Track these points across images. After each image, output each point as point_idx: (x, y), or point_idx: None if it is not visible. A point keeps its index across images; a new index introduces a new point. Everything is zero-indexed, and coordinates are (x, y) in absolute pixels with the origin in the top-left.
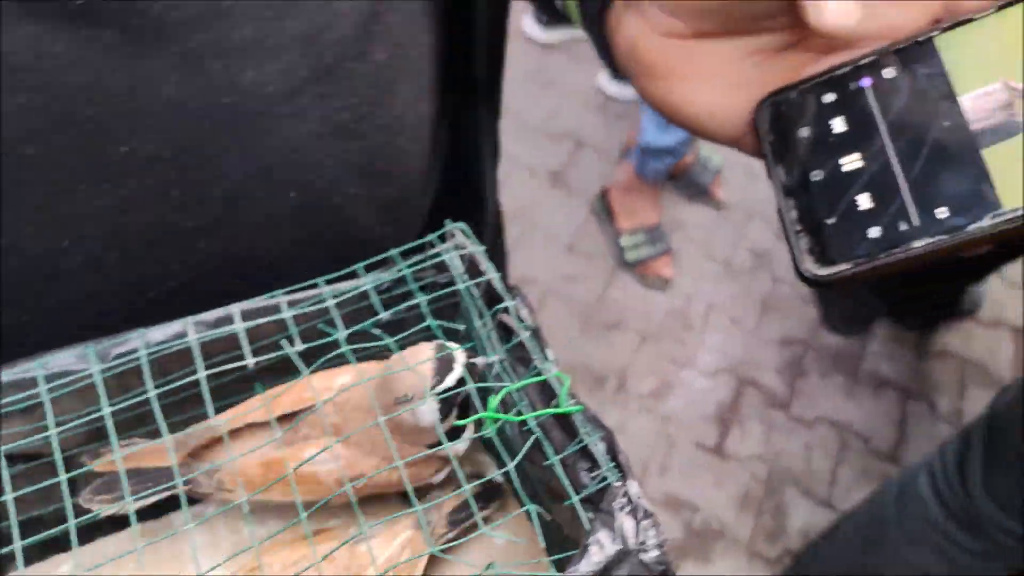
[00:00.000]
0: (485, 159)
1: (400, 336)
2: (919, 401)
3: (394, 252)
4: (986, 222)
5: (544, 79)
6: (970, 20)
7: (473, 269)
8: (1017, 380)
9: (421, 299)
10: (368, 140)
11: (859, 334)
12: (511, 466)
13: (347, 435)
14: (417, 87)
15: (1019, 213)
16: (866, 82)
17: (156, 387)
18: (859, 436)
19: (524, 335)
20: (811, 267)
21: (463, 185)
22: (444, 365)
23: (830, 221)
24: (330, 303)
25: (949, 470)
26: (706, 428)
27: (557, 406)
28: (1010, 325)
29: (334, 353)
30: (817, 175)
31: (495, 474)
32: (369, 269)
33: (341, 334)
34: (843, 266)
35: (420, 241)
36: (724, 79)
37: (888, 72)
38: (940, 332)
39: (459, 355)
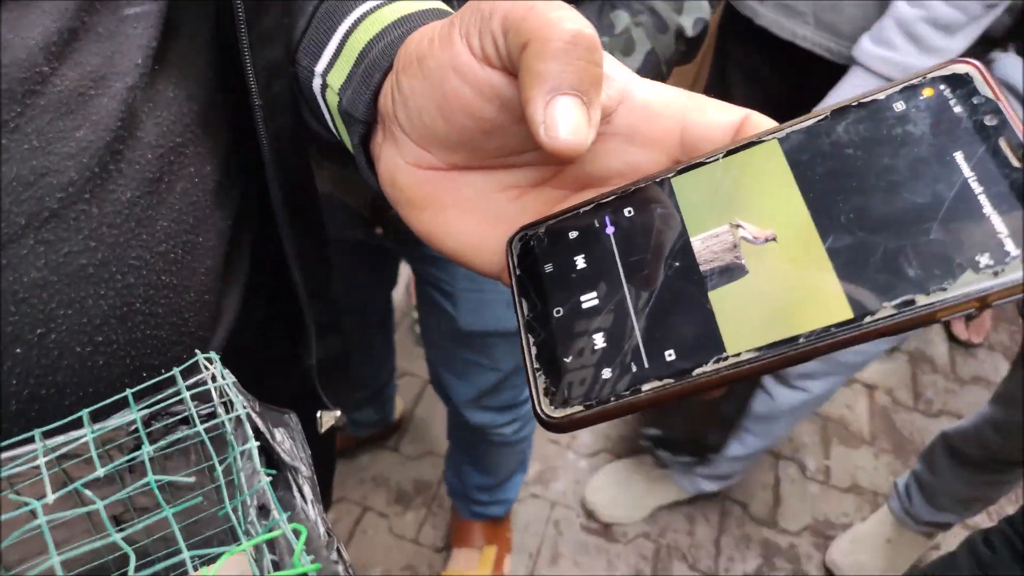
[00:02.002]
0: (296, 274)
1: (136, 486)
2: (789, 462)
3: (128, 393)
4: (710, 367)
5: None
6: (701, 163)
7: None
8: None
9: (146, 450)
10: (118, 283)
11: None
12: None
13: None
14: (188, 216)
15: (742, 358)
16: (607, 220)
17: None
18: (737, 503)
19: (263, 482)
20: (546, 408)
21: (285, 304)
22: None
23: (567, 360)
24: (41, 460)
25: None
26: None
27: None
28: (863, 382)
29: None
30: (558, 312)
31: None
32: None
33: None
34: (575, 408)
35: (152, 381)
36: (481, 213)
37: (628, 211)
38: None
39: None
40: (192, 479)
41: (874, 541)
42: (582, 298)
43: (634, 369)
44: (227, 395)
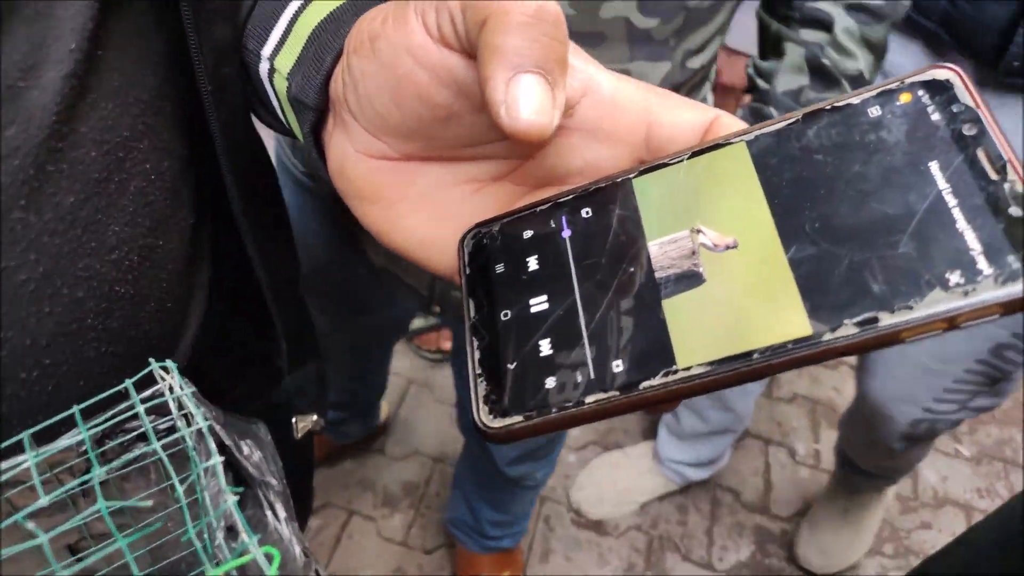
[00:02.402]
0: (260, 272)
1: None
2: (779, 447)
3: (76, 410)
4: (658, 380)
5: None
6: (665, 164)
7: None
8: None
9: (96, 472)
10: (65, 298)
11: None
12: None
13: None
14: (144, 218)
15: (691, 373)
16: (564, 220)
17: None
18: (728, 491)
19: (230, 501)
20: (484, 417)
21: (250, 303)
22: None
23: (510, 367)
24: None
25: None
26: None
27: None
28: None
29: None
30: (505, 315)
31: None
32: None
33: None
34: (515, 419)
35: (102, 396)
36: (435, 207)
37: (586, 211)
38: (788, 379)
39: None
40: (150, 502)
41: (831, 517)
42: (531, 302)
43: (579, 380)
44: (187, 407)
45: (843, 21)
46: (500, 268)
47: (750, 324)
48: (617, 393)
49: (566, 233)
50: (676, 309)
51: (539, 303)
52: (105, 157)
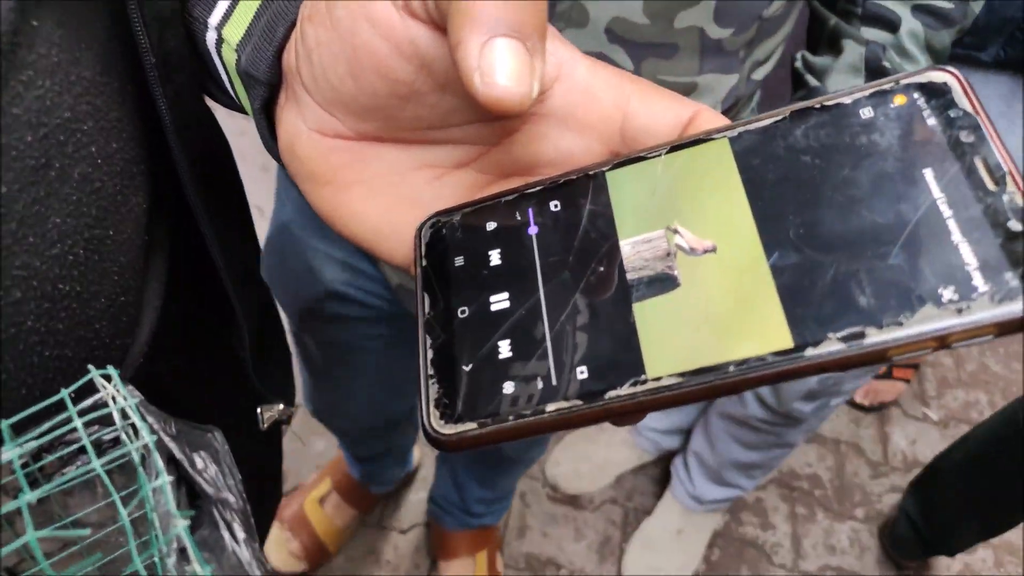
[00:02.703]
0: (218, 257)
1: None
2: None
3: (4, 425)
4: (624, 390)
5: None
6: (641, 158)
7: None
8: None
9: (24, 498)
10: None
11: None
12: None
13: None
14: (91, 207)
15: (661, 383)
16: (530, 213)
17: None
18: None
19: (180, 527)
20: (435, 423)
21: (209, 291)
22: None
23: (465, 368)
24: None
25: None
26: None
27: None
28: None
29: None
30: (462, 312)
31: None
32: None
33: None
34: (468, 426)
35: (33, 409)
36: (392, 193)
37: (555, 205)
38: None
39: None
40: (88, 530)
41: (664, 537)
42: (491, 299)
43: (540, 386)
44: (132, 417)
45: (909, 23)
46: (459, 261)
47: (726, 334)
48: (580, 402)
49: (532, 228)
50: (647, 314)
51: (499, 301)
52: (43, 142)
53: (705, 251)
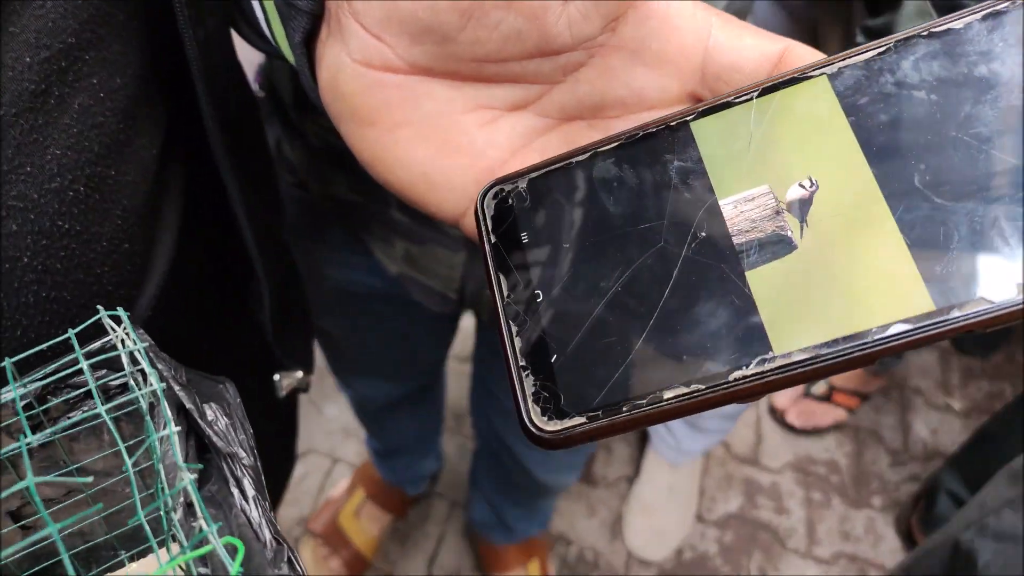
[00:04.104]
0: (240, 215)
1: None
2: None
3: (8, 363)
4: (752, 370)
5: None
6: (729, 103)
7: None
8: None
9: (25, 441)
10: None
11: None
12: None
13: None
14: (92, 142)
15: (793, 360)
16: (610, 175)
17: None
18: (721, 442)
19: (186, 480)
20: (536, 420)
21: (228, 250)
22: None
23: (563, 356)
24: None
25: None
26: None
27: None
28: None
29: None
30: (549, 293)
31: None
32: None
33: None
34: (576, 420)
35: (38, 348)
36: (441, 137)
37: (636, 163)
38: None
39: None
40: (90, 478)
41: (658, 498)
42: (578, 275)
43: (652, 371)
44: (141, 363)
45: None
46: (534, 235)
47: (858, 300)
48: (701, 387)
49: (614, 193)
50: (764, 282)
51: (588, 277)
52: (43, 66)
53: (812, 192)
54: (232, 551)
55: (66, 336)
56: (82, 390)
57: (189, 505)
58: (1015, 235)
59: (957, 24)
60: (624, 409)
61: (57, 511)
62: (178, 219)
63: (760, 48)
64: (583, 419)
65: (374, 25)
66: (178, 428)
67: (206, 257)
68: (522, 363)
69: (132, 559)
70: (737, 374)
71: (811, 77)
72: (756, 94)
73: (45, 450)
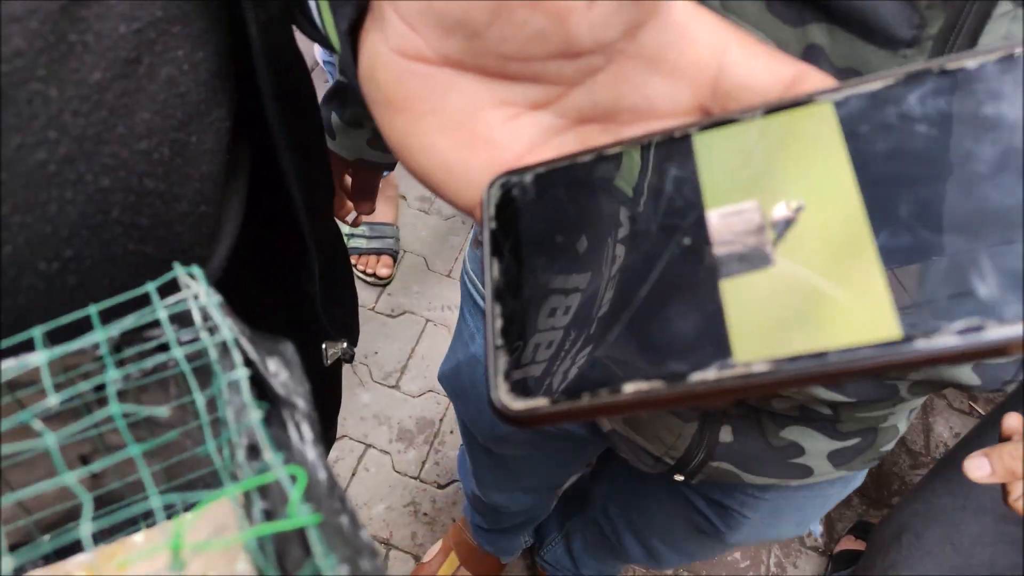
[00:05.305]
0: (294, 188)
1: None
2: None
3: (92, 310)
4: (711, 374)
5: None
6: (734, 120)
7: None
8: None
9: (111, 375)
10: (89, 185)
11: None
12: None
13: None
14: (176, 109)
15: (752, 370)
16: (607, 175)
17: None
18: None
19: (254, 417)
20: (503, 396)
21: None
22: None
23: (537, 340)
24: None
25: None
26: None
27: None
28: None
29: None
30: (531, 279)
31: None
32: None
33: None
34: (539, 401)
35: (120, 298)
36: (466, 130)
37: (636, 169)
38: None
39: None
40: (167, 410)
41: None
42: (566, 268)
43: (618, 363)
44: (213, 318)
45: None
46: (531, 226)
47: (825, 319)
48: (661, 384)
49: (612, 193)
50: (736, 292)
51: (575, 270)
52: (135, 36)
53: (797, 211)
54: (294, 480)
55: (145, 289)
56: (153, 343)
57: (251, 449)
58: (992, 275)
59: (970, 63)
60: (585, 397)
61: (124, 462)
62: (245, 189)
63: (773, 70)
64: (546, 401)
65: (410, 17)
66: (247, 372)
67: (265, 230)
68: (498, 343)
69: (187, 510)
70: (696, 376)
71: (816, 102)
72: (760, 113)
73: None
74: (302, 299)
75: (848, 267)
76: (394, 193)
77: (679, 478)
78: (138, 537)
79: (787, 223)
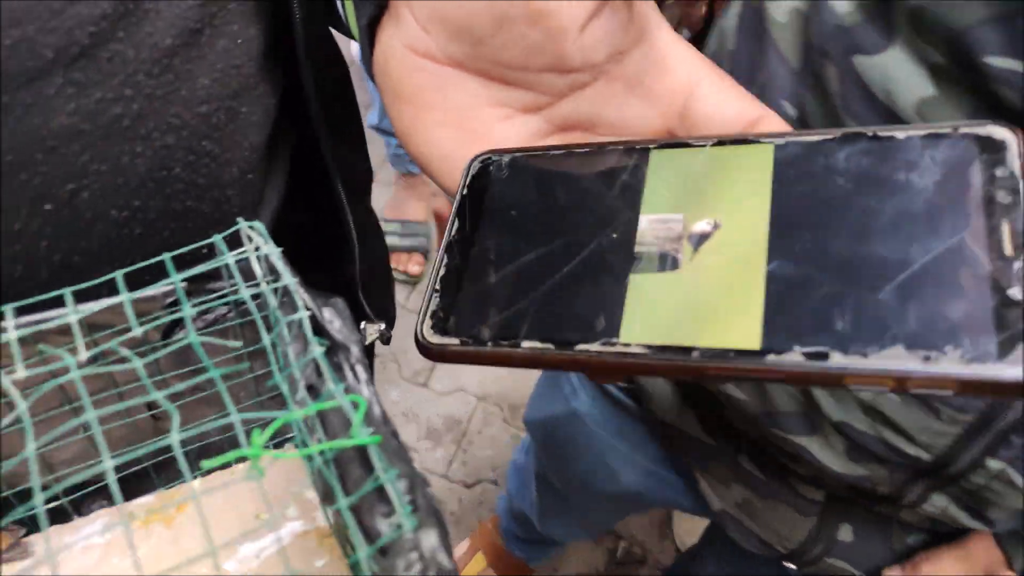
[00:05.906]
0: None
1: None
2: None
3: (166, 257)
4: (595, 347)
5: None
6: (688, 144)
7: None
8: None
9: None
10: (156, 142)
11: None
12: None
13: None
14: (231, 79)
15: (629, 350)
16: (570, 170)
17: None
18: None
19: (316, 351)
20: (426, 331)
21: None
22: None
23: (465, 292)
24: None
25: None
26: None
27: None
28: None
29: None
30: (480, 242)
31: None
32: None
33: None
34: (451, 340)
35: (194, 245)
36: (464, 125)
37: (595, 167)
38: None
39: None
40: (240, 343)
41: None
42: (510, 238)
43: (522, 323)
44: (277, 268)
45: None
46: (495, 198)
47: (702, 321)
48: (552, 346)
49: (567, 183)
50: (640, 286)
51: (516, 241)
52: (200, 8)
53: (713, 228)
54: (355, 407)
55: (212, 240)
56: (217, 294)
57: (310, 388)
58: (850, 315)
59: (900, 134)
60: (488, 344)
61: (181, 406)
62: (288, 165)
63: (740, 108)
64: (457, 341)
65: (423, 19)
66: (308, 312)
67: (306, 212)
68: (436, 286)
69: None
70: (582, 346)
71: (761, 142)
72: (712, 143)
73: (179, 355)
74: (341, 281)
75: (738, 284)
76: (427, 192)
77: (791, 566)
78: (196, 483)
79: (702, 237)
